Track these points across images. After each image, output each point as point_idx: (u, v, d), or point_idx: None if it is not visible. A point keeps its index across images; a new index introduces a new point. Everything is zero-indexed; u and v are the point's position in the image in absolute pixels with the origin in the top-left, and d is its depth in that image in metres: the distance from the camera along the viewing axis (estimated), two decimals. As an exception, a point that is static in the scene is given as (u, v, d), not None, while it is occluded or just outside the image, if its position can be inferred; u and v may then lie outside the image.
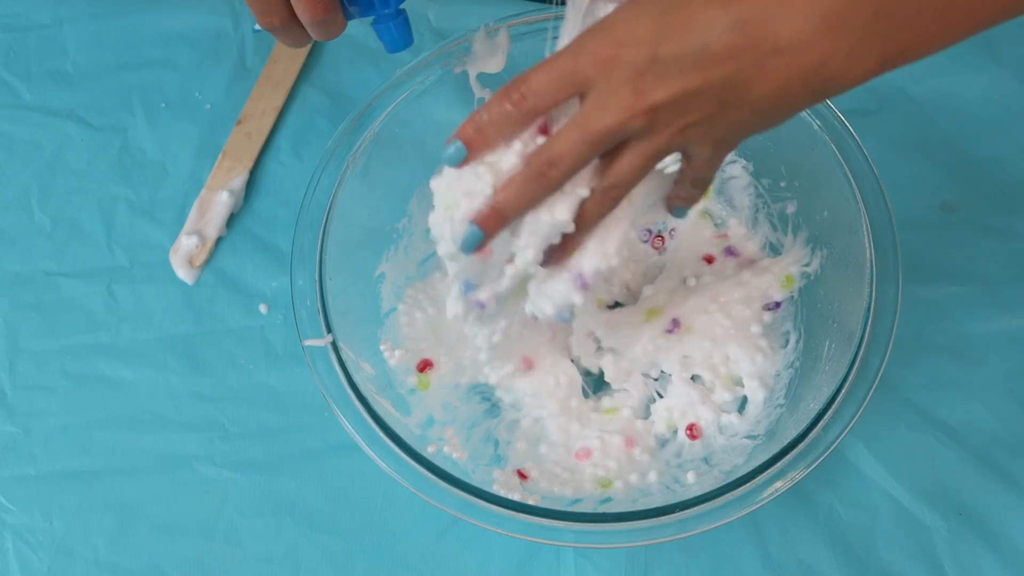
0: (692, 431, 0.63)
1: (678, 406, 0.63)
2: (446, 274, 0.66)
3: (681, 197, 0.53)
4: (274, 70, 0.77)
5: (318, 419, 0.67)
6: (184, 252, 0.71)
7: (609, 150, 0.49)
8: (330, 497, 0.65)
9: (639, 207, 0.53)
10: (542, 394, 0.64)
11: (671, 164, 0.53)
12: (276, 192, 0.74)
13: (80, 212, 0.73)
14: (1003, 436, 0.65)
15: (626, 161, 0.48)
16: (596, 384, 0.66)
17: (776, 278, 0.66)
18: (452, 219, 0.51)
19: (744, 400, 0.64)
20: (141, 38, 0.79)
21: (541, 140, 0.50)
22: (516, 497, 0.57)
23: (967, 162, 0.73)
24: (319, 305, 0.60)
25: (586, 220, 0.51)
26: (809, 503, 0.64)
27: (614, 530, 0.55)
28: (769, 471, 0.55)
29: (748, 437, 0.61)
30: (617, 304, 0.68)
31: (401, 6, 0.60)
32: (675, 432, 0.63)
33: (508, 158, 0.50)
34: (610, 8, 0.51)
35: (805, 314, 0.64)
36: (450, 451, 0.61)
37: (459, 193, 0.51)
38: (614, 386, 0.65)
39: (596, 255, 0.52)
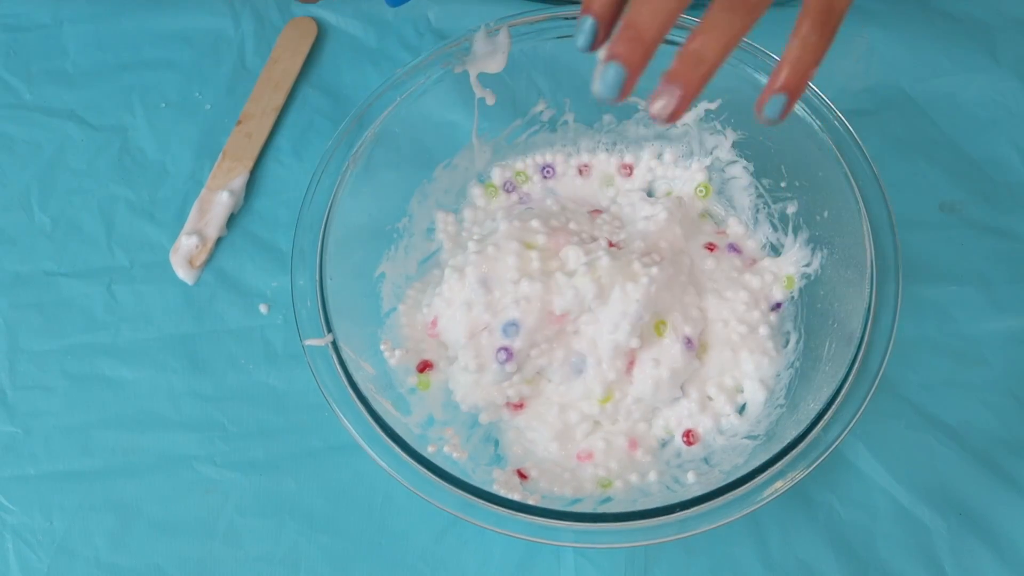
0: (689, 437, 0.63)
1: (675, 415, 0.63)
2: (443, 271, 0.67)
3: (795, 53, 0.43)
4: (274, 70, 0.77)
5: (318, 419, 0.67)
6: (184, 252, 0.71)
7: None
8: (330, 497, 0.65)
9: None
10: (538, 425, 0.64)
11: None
12: (276, 192, 0.74)
13: (80, 212, 0.73)
14: (1003, 436, 0.65)
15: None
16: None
17: (777, 279, 0.66)
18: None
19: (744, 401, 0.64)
20: (141, 38, 0.79)
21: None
22: (516, 497, 0.57)
23: (967, 162, 0.73)
24: (319, 305, 0.60)
25: (703, 61, 0.44)
26: (809, 503, 0.64)
27: (614, 530, 0.55)
28: (769, 471, 0.55)
29: (748, 437, 0.61)
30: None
31: None
32: (671, 437, 0.63)
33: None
34: None
35: (805, 314, 0.65)
36: (450, 451, 0.61)
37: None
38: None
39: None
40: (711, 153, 0.69)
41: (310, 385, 0.64)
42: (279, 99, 0.76)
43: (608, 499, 0.61)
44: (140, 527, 0.65)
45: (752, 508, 0.54)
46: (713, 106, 0.67)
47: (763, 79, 0.65)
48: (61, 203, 0.74)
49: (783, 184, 0.66)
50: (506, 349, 0.62)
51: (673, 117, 0.44)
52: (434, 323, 0.65)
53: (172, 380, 0.68)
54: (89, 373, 0.69)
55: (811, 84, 0.61)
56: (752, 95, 0.65)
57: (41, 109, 0.77)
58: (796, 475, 0.55)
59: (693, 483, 0.60)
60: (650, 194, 0.70)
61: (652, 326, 0.63)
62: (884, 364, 0.57)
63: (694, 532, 0.54)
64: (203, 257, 0.71)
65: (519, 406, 0.63)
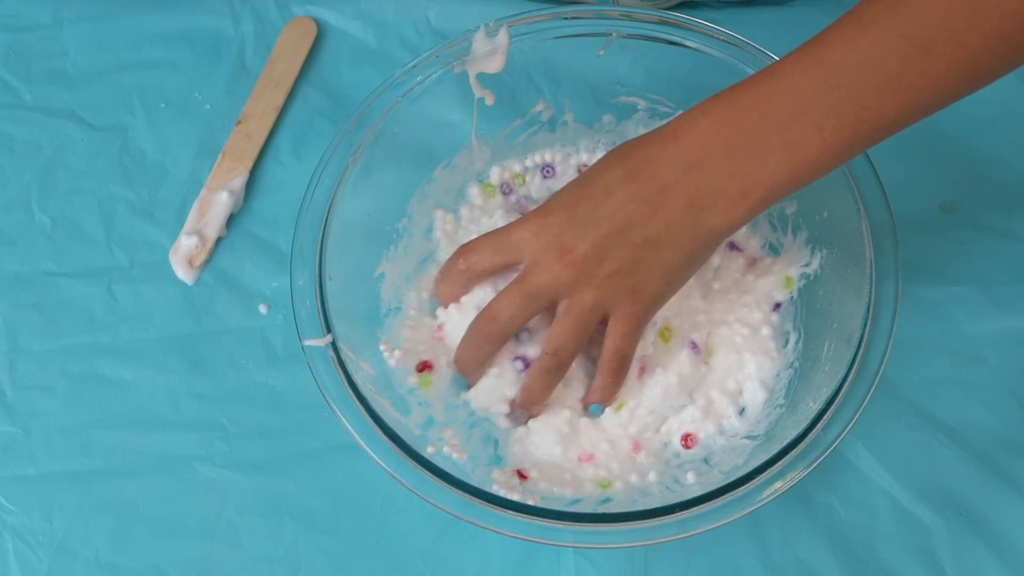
0: (687, 441, 0.62)
1: (677, 420, 0.63)
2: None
3: (597, 388, 0.61)
4: (274, 70, 0.77)
5: (318, 419, 0.67)
6: (184, 252, 0.71)
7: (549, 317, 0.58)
8: (330, 497, 0.65)
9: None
10: (544, 429, 0.64)
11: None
12: (276, 192, 0.74)
13: (80, 212, 0.73)
14: (1003, 436, 0.65)
15: (560, 323, 0.58)
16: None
17: (777, 279, 0.66)
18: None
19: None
20: (141, 38, 0.79)
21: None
22: (515, 497, 0.57)
23: (967, 162, 0.73)
24: (319, 305, 0.60)
25: (531, 394, 0.61)
26: (809, 503, 0.64)
27: (614, 530, 0.55)
28: (769, 472, 0.55)
29: (748, 438, 0.61)
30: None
31: None
32: (671, 440, 0.63)
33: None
34: None
35: (805, 314, 0.64)
36: (450, 451, 0.61)
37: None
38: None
39: None
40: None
41: (310, 385, 0.64)
42: (279, 99, 0.76)
43: (608, 499, 0.61)
44: (140, 527, 0.65)
45: (752, 508, 0.54)
46: (714, 106, 0.67)
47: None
48: (61, 203, 0.74)
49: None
50: (522, 358, 0.62)
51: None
52: (440, 328, 0.65)
53: (172, 380, 0.68)
54: (89, 373, 0.69)
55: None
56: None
57: (41, 109, 0.77)
58: (796, 475, 0.55)
59: (693, 483, 0.60)
60: None
61: (658, 332, 0.63)
62: (883, 364, 0.57)
63: (694, 532, 0.54)
64: (203, 257, 0.71)
65: (534, 415, 0.63)
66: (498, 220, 0.66)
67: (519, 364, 0.62)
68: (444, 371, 0.65)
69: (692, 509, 0.55)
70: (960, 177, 0.72)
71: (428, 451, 0.59)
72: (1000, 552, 0.63)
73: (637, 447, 0.62)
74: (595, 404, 0.62)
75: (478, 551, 0.63)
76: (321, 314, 0.60)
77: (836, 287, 0.63)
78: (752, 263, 0.67)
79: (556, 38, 0.66)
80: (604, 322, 0.59)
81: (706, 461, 0.62)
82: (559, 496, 0.61)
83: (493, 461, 0.62)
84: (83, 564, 0.64)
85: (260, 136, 0.75)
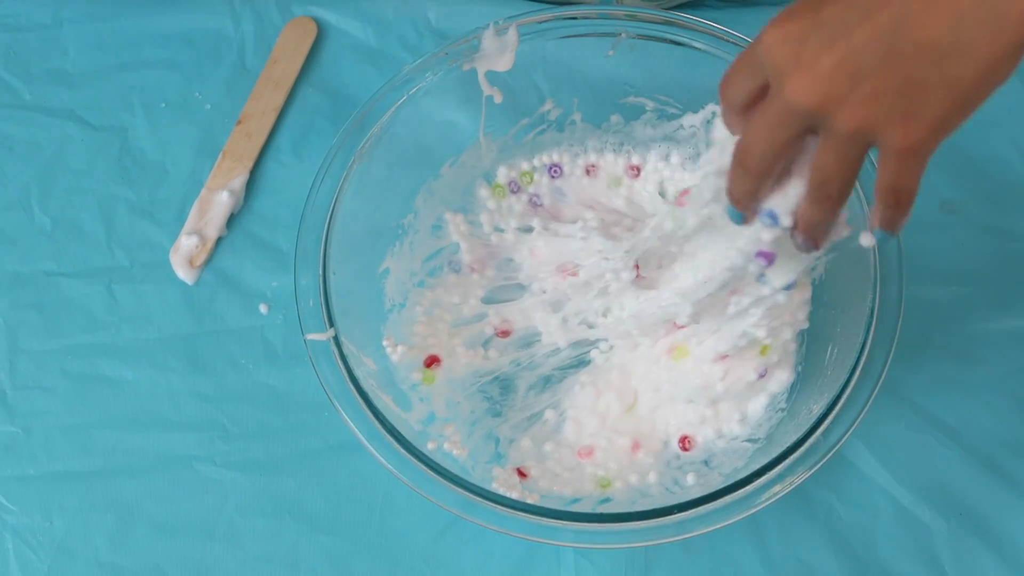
0: (685, 443, 0.62)
1: (676, 421, 0.63)
2: (457, 272, 0.68)
3: (879, 217, 0.48)
4: (274, 70, 0.77)
5: (318, 419, 0.67)
6: (184, 252, 0.71)
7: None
8: (330, 497, 0.65)
9: None
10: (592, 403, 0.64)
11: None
12: (276, 192, 0.74)
13: (80, 212, 0.73)
14: (1003, 436, 0.65)
15: (821, 155, 0.46)
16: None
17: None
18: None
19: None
20: (141, 38, 0.79)
21: None
22: (515, 496, 0.57)
23: (967, 162, 0.73)
24: (322, 300, 0.60)
25: (812, 226, 0.50)
26: (809, 503, 0.64)
27: (614, 530, 0.55)
28: (769, 475, 0.55)
29: (748, 440, 0.61)
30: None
31: None
32: (668, 441, 0.63)
33: None
34: None
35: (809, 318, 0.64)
36: (450, 448, 0.61)
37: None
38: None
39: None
40: (718, 155, 0.69)
41: (310, 385, 0.65)
42: (279, 99, 0.76)
43: (607, 499, 0.61)
44: (140, 527, 0.65)
45: (751, 511, 0.54)
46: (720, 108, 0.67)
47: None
48: (61, 203, 0.74)
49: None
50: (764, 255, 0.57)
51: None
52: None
53: (172, 380, 0.68)
54: (89, 373, 0.69)
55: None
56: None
57: (41, 109, 0.77)
58: (796, 479, 0.55)
59: (693, 485, 0.60)
60: (661, 194, 0.70)
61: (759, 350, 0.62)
62: (886, 369, 0.57)
63: (693, 533, 0.54)
64: (203, 257, 0.71)
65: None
66: (516, 219, 0.68)
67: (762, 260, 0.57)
68: (450, 366, 0.65)
69: (692, 510, 0.55)
70: (960, 177, 0.72)
71: (428, 447, 0.59)
72: (1000, 552, 0.63)
73: (636, 446, 0.62)
74: (878, 231, 0.49)
75: (478, 551, 0.63)
76: (324, 309, 0.60)
77: (840, 291, 0.63)
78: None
79: (561, 38, 0.66)
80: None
81: (706, 463, 0.62)
82: (559, 495, 0.61)
83: (494, 459, 0.62)
84: (83, 564, 0.64)
85: (260, 136, 0.75)
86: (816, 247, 0.51)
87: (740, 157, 0.48)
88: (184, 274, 0.71)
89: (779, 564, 0.63)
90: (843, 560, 0.63)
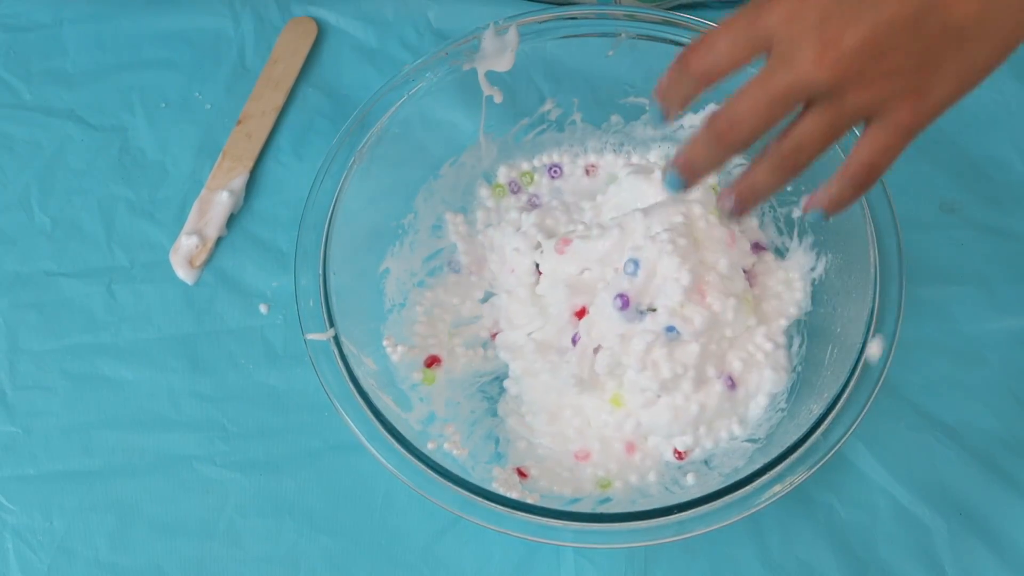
0: (679, 454, 0.62)
1: (670, 445, 0.63)
2: (457, 273, 0.68)
3: (832, 194, 0.47)
4: (274, 70, 0.77)
5: (318, 419, 0.67)
6: (184, 252, 0.71)
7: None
8: (330, 497, 0.65)
9: None
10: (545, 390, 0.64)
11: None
12: (276, 192, 0.74)
13: (80, 212, 0.73)
14: (1003, 436, 0.65)
15: (808, 123, 0.45)
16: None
17: (789, 285, 0.65)
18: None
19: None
20: (141, 38, 0.79)
21: None
22: (515, 495, 0.57)
23: (967, 162, 0.73)
24: (322, 300, 0.60)
25: (756, 191, 0.48)
26: (809, 503, 0.64)
27: (614, 530, 0.55)
28: (768, 475, 0.55)
29: (748, 440, 0.61)
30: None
31: None
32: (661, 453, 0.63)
33: None
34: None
35: (808, 319, 0.64)
36: (450, 448, 0.61)
37: None
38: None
39: None
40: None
41: (310, 385, 0.65)
42: (279, 99, 0.76)
43: (607, 499, 0.61)
44: (140, 527, 0.65)
45: (751, 511, 0.55)
46: (720, 108, 0.67)
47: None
48: (61, 203, 0.74)
49: (788, 188, 0.66)
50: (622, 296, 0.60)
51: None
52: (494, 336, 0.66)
53: (172, 380, 0.68)
54: (89, 373, 0.69)
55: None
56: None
57: (41, 109, 0.77)
58: (795, 479, 0.55)
59: (693, 485, 0.60)
60: None
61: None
62: (886, 369, 0.57)
63: (693, 533, 0.54)
64: (203, 257, 0.71)
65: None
66: (513, 218, 0.67)
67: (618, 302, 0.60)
68: (450, 366, 0.65)
69: (692, 510, 0.55)
70: (960, 177, 0.72)
71: (428, 447, 0.59)
72: (1000, 552, 0.63)
73: (631, 448, 0.62)
74: (818, 210, 0.49)
75: (478, 551, 0.63)
76: (324, 309, 0.60)
77: (840, 291, 0.63)
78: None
79: (560, 38, 0.66)
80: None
81: (706, 463, 0.62)
82: (559, 495, 0.61)
83: (494, 458, 0.62)
84: (83, 564, 0.64)
85: (260, 136, 0.75)
86: (743, 212, 0.50)
87: (721, 128, 0.46)
88: (184, 274, 0.71)
89: (779, 564, 0.63)
90: (843, 560, 0.63)
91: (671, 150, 0.70)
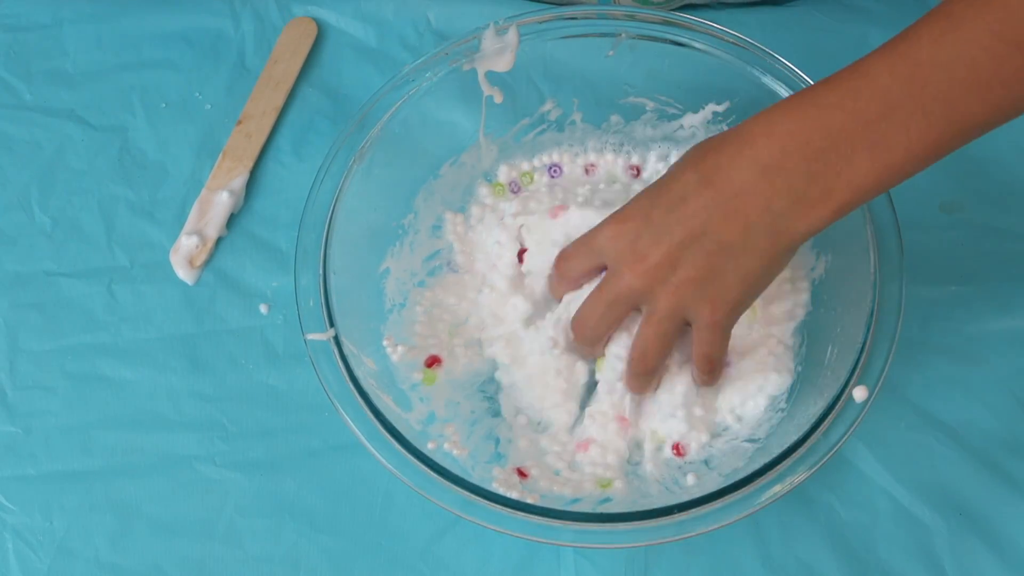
0: (678, 449, 0.62)
1: (666, 432, 0.63)
2: (456, 273, 0.68)
3: (699, 379, 0.61)
4: (274, 70, 0.77)
5: (318, 419, 0.67)
6: (184, 252, 0.71)
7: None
8: (330, 497, 0.65)
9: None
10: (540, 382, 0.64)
11: None
12: (276, 192, 0.74)
13: (80, 212, 0.73)
14: (1003, 436, 0.65)
15: (643, 330, 0.58)
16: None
17: (795, 286, 0.65)
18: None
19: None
20: (141, 38, 0.79)
21: None
22: (515, 495, 0.57)
23: (967, 162, 0.73)
24: (322, 300, 0.60)
25: (635, 389, 0.62)
26: (809, 503, 0.64)
27: (614, 530, 0.55)
28: (769, 474, 0.55)
29: (748, 441, 0.61)
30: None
31: None
32: (660, 448, 0.63)
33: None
34: None
35: (808, 319, 0.64)
36: (450, 448, 0.61)
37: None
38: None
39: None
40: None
41: (310, 385, 0.65)
42: (279, 99, 0.76)
43: (607, 499, 0.61)
44: (140, 527, 0.65)
45: (751, 511, 0.55)
46: (720, 108, 0.67)
47: (769, 81, 0.65)
48: (61, 203, 0.74)
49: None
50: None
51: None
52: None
53: (172, 380, 0.68)
54: (89, 373, 0.69)
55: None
56: (759, 96, 0.65)
57: (41, 109, 0.77)
58: (795, 479, 0.55)
59: (693, 485, 0.60)
60: None
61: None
62: (886, 369, 0.57)
63: (693, 533, 0.54)
64: (203, 257, 0.71)
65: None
66: (507, 219, 0.67)
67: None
68: (450, 366, 0.65)
69: (692, 510, 0.55)
70: (960, 177, 0.72)
71: (428, 447, 0.59)
72: (1000, 552, 0.63)
73: (624, 422, 0.62)
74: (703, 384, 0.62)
75: (478, 551, 0.63)
76: (324, 309, 0.60)
77: (840, 292, 0.63)
78: None
79: (560, 38, 0.66)
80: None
81: (706, 463, 0.61)
82: (559, 495, 0.61)
83: (494, 458, 0.62)
84: (83, 564, 0.64)
85: (260, 136, 0.75)
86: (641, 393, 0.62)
87: (576, 328, 0.61)
88: (184, 274, 0.71)
89: (779, 564, 0.63)
90: (843, 560, 0.63)
91: (671, 150, 0.70)
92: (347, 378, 0.58)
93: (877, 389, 0.57)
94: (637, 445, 0.63)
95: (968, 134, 0.52)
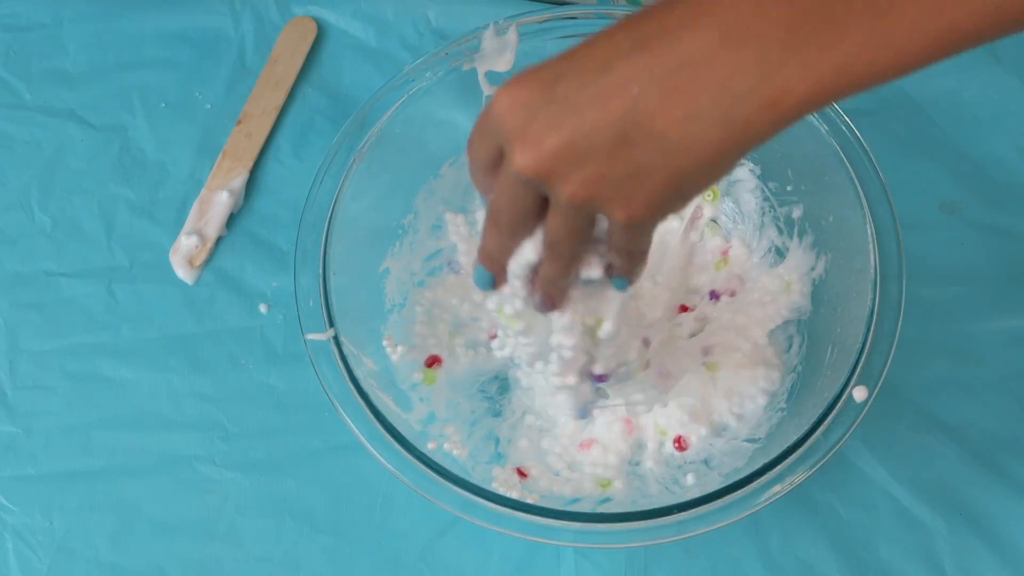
0: (680, 443, 0.62)
1: (667, 424, 0.63)
2: (457, 273, 0.68)
3: (615, 267, 0.50)
4: (274, 70, 0.77)
5: (318, 419, 0.67)
6: (184, 252, 0.71)
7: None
8: (330, 497, 0.65)
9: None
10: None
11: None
12: (276, 192, 0.74)
13: (80, 212, 0.73)
14: (1003, 436, 0.65)
15: (550, 221, 0.46)
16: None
17: (783, 285, 0.65)
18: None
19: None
20: (141, 38, 0.79)
21: None
22: (515, 495, 0.57)
23: (967, 162, 0.73)
24: (322, 300, 0.60)
25: (550, 283, 0.50)
26: (810, 503, 0.64)
27: (614, 530, 0.55)
28: (769, 474, 0.55)
29: (748, 440, 0.61)
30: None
31: None
32: (662, 444, 0.63)
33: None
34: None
35: (808, 318, 0.64)
36: (450, 448, 0.61)
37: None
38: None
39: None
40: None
41: (310, 385, 0.65)
42: (279, 99, 0.76)
43: (607, 499, 0.61)
44: (140, 527, 0.65)
45: (751, 511, 0.54)
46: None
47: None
48: (61, 203, 0.74)
49: (789, 188, 0.66)
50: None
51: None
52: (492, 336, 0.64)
53: (172, 380, 0.68)
54: (89, 373, 0.69)
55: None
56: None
57: (41, 109, 0.77)
58: (795, 479, 0.55)
59: (693, 485, 0.60)
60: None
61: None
62: (886, 369, 0.57)
63: (693, 533, 0.54)
64: (203, 257, 0.71)
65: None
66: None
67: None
68: (450, 366, 0.65)
69: (692, 510, 0.55)
70: (960, 177, 0.72)
71: (428, 447, 0.59)
72: (1000, 552, 0.63)
73: (630, 425, 0.62)
74: (617, 278, 0.51)
75: (478, 551, 0.63)
76: (324, 309, 0.60)
77: (840, 291, 0.63)
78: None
79: (561, 38, 0.66)
80: None
81: (706, 463, 0.62)
82: (559, 495, 0.61)
83: (493, 459, 0.62)
84: (83, 564, 0.64)
85: (260, 136, 0.75)
86: (553, 306, 0.51)
87: (491, 216, 0.48)
88: (184, 274, 0.71)
89: (779, 564, 0.63)
90: (843, 560, 0.63)
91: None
92: (347, 378, 0.58)
93: (877, 389, 0.57)
94: (640, 445, 0.63)
95: (982, 31, 0.41)
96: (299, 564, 0.64)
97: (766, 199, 0.67)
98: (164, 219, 0.73)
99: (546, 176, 0.43)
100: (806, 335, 0.64)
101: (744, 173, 0.68)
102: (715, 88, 0.40)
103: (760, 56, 0.40)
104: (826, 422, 0.56)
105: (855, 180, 0.61)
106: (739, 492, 0.55)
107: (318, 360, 0.59)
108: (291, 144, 0.76)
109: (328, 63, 0.78)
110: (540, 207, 0.46)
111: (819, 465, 0.55)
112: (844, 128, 0.62)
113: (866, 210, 0.61)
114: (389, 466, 0.56)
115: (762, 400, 0.62)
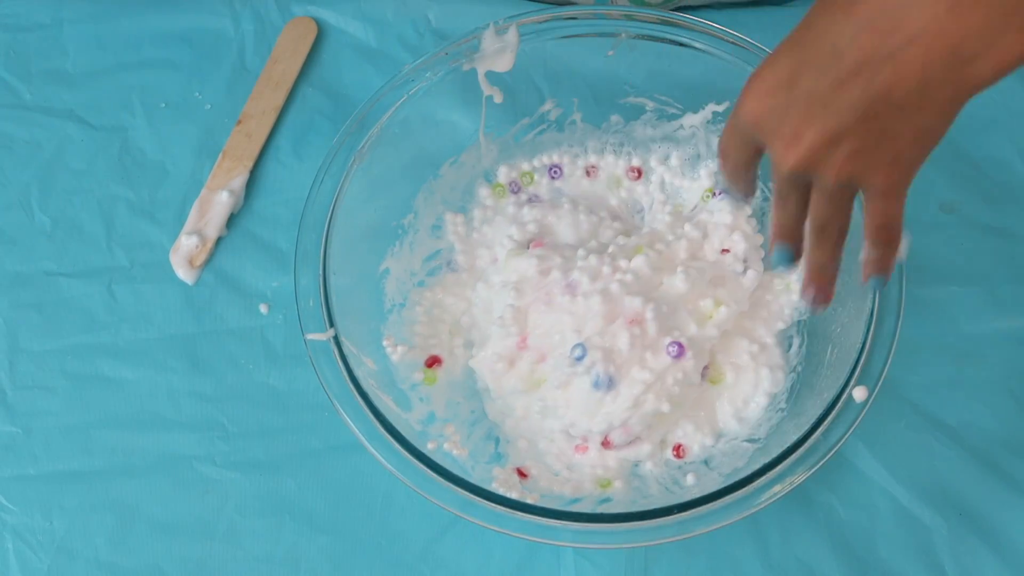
0: (678, 451, 0.62)
1: (669, 436, 0.63)
2: (456, 273, 0.68)
3: (871, 261, 0.53)
4: (274, 70, 0.77)
5: (318, 419, 0.67)
6: (184, 252, 0.71)
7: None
8: (330, 497, 0.65)
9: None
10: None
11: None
12: (276, 192, 0.74)
13: (80, 212, 0.73)
14: (1003, 436, 0.65)
15: (814, 206, 0.51)
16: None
17: (787, 289, 0.65)
18: None
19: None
20: (141, 38, 0.79)
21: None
22: (515, 495, 0.57)
23: (967, 162, 0.73)
24: (322, 300, 0.60)
25: (819, 269, 0.54)
26: (809, 503, 0.64)
27: (614, 530, 0.55)
28: (769, 474, 0.55)
29: (748, 441, 0.61)
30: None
31: None
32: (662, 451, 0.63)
33: None
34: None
35: (808, 319, 0.64)
36: (450, 448, 0.61)
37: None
38: None
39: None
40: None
41: (310, 385, 0.65)
42: (279, 99, 0.76)
43: (607, 499, 0.61)
44: (140, 527, 0.65)
45: (751, 511, 0.55)
46: (720, 108, 0.67)
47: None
48: (61, 203, 0.74)
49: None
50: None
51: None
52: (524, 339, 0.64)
53: (172, 380, 0.68)
54: (89, 373, 0.69)
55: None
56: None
57: (41, 109, 0.77)
58: (795, 479, 0.55)
59: (692, 485, 0.60)
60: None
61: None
62: (886, 369, 0.57)
63: (693, 533, 0.54)
64: (203, 257, 0.71)
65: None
66: (510, 212, 0.67)
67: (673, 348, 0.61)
68: (451, 366, 0.65)
69: (692, 510, 0.55)
70: (960, 177, 0.72)
71: (428, 447, 0.59)
72: (1000, 552, 0.63)
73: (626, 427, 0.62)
74: (874, 276, 0.54)
75: (478, 551, 0.63)
76: (324, 309, 0.60)
77: (840, 291, 0.62)
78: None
79: (560, 38, 0.67)
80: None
81: (706, 463, 0.62)
82: (559, 495, 0.61)
83: (493, 459, 0.62)
84: (83, 564, 0.64)
85: (260, 136, 0.75)
86: (827, 298, 0.55)
87: (775, 202, 0.52)
88: (184, 274, 0.71)
89: (779, 564, 0.63)
90: (843, 560, 0.63)
91: (671, 151, 0.70)
92: (347, 378, 0.58)
93: (877, 389, 0.57)
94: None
95: None
96: (299, 564, 0.64)
97: (766, 199, 0.67)
98: (164, 219, 0.73)
99: (812, 167, 0.48)
100: (806, 335, 0.64)
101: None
102: (947, 56, 0.44)
103: (986, 20, 0.43)
104: (826, 422, 0.56)
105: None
106: (739, 492, 0.55)
107: (318, 360, 0.59)
108: (291, 144, 0.76)
109: (328, 63, 0.78)
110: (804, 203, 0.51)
111: (819, 465, 0.55)
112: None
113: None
114: (389, 466, 0.56)
115: (763, 401, 0.62)
